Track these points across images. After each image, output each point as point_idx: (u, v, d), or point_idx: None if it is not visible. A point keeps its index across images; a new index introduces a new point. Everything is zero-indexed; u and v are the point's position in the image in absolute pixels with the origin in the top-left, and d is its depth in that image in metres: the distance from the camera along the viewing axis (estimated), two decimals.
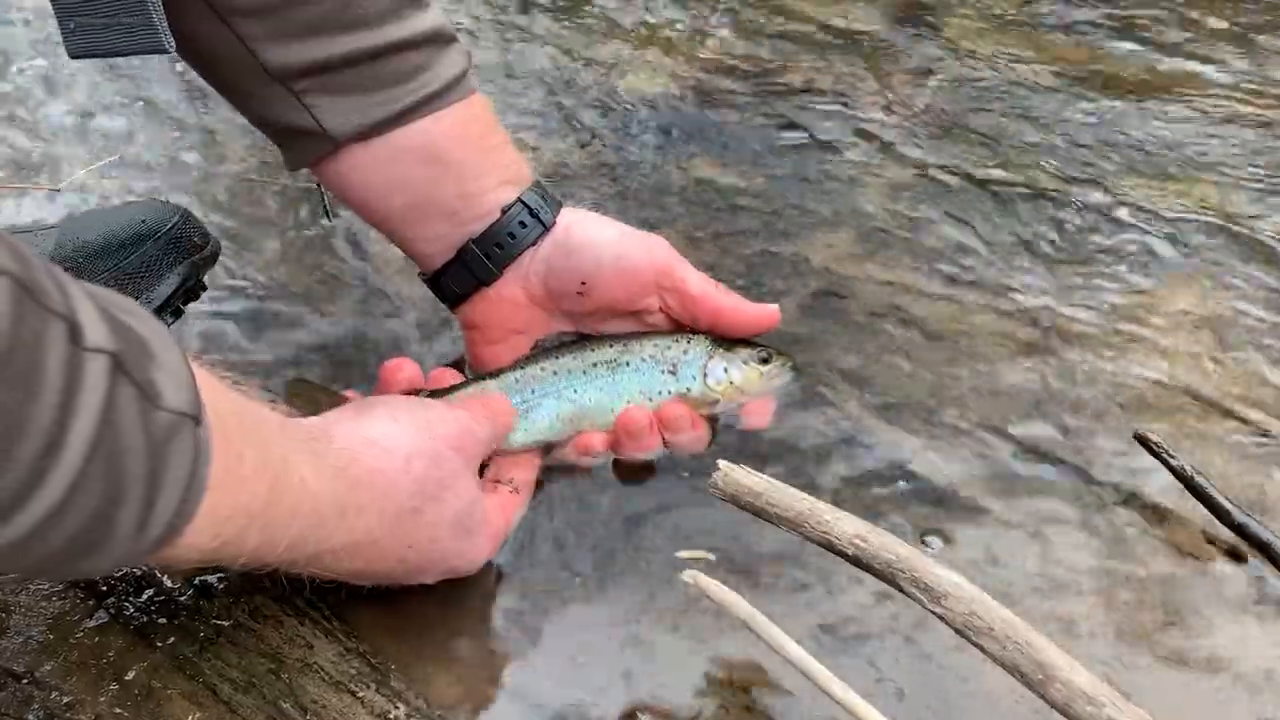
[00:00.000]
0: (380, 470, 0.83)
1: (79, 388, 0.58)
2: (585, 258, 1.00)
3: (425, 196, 0.98)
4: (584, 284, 1.00)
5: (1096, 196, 1.32)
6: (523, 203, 1.00)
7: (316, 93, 0.93)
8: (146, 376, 0.62)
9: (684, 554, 0.87)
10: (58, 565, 0.64)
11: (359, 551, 0.83)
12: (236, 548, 0.72)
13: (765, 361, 1.01)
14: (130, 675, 0.87)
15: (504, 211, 1.00)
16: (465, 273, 1.01)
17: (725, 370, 1.00)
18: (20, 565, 0.72)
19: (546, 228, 1.01)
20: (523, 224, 1.00)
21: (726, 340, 1.02)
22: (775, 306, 1.02)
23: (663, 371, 0.99)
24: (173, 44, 0.85)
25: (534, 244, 1.00)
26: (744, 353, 1.01)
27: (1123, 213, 1.30)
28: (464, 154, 0.98)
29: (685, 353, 1.00)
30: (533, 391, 0.98)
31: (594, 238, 1.01)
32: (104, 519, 0.61)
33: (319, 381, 1.10)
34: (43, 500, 0.58)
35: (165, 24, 0.85)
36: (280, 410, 0.80)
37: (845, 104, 1.45)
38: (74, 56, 0.87)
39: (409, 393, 0.98)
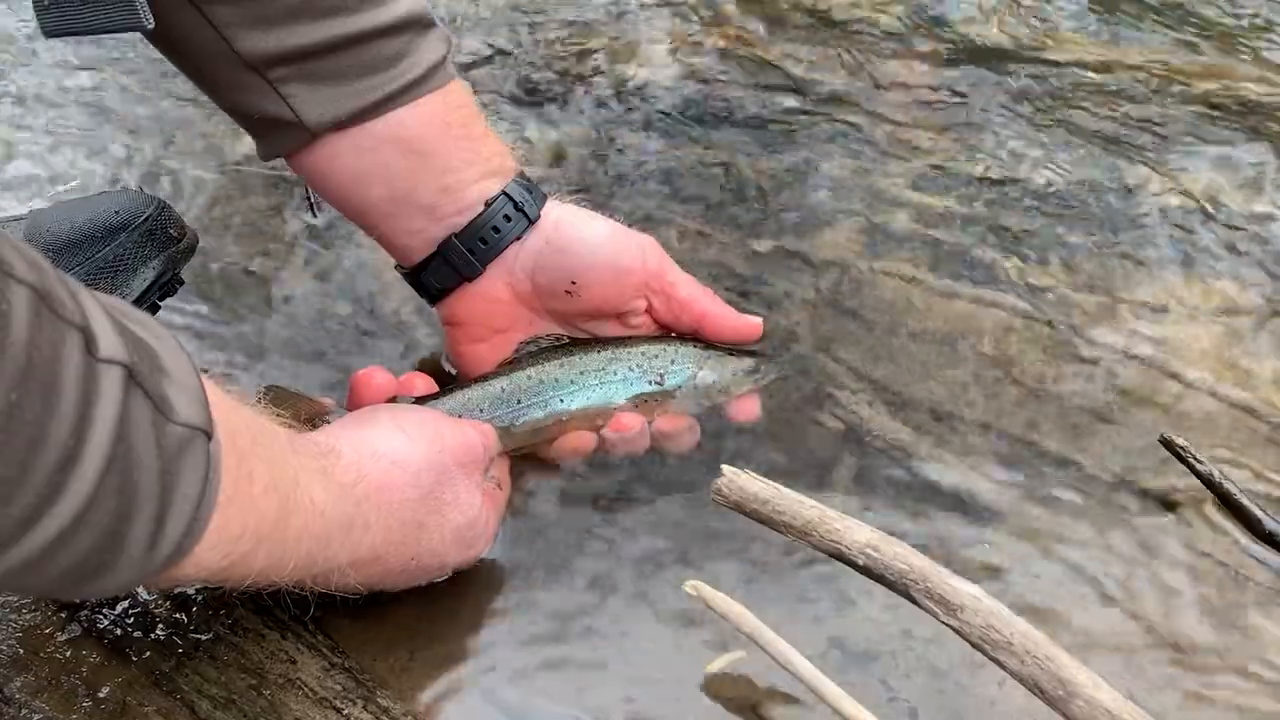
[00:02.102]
0: (388, 485, 0.84)
1: (94, 400, 0.58)
2: (576, 256, 1.00)
3: (405, 188, 0.98)
4: (574, 284, 1.00)
5: (1121, 188, 1.31)
6: (507, 196, 1.00)
7: (293, 81, 0.93)
8: (159, 389, 0.62)
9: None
10: (66, 586, 0.64)
11: (362, 567, 0.84)
12: (245, 568, 0.73)
13: (753, 372, 1.03)
14: (104, 692, 0.87)
15: (487, 205, 1.00)
16: (447, 268, 1.01)
17: (714, 381, 1.02)
18: (28, 585, 0.73)
19: (531, 222, 1.01)
20: (507, 218, 1.00)
21: (713, 347, 1.03)
22: (759, 319, 1.04)
23: (650, 382, 1.01)
24: (151, 20, 0.85)
25: (519, 239, 1.01)
26: (732, 363, 1.03)
27: (1148, 206, 1.29)
28: (445, 144, 0.98)
29: (673, 362, 1.01)
30: (519, 401, 0.99)
31: (585, 236, 1.01)
32: (115, 537, 0.62)
33: (293, 384, 1.10)
34: (57, 517, 0.58)
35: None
36: (284, 422, 0.81)
37: (854, 92, 1.44)
38: (49, 35, 0.87)
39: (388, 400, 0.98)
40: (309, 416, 0.95)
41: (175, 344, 0.66)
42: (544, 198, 1.02)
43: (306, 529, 0.76)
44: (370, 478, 0.83)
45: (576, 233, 1.01)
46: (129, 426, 0.60)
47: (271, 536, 0.73)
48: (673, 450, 1.03)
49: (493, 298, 1.02)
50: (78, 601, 0.91)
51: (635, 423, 0.99)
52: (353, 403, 0.98)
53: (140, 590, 0.93)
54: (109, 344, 0.60)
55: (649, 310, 1.02)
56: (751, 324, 1.03)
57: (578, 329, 1.03)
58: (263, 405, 0.91)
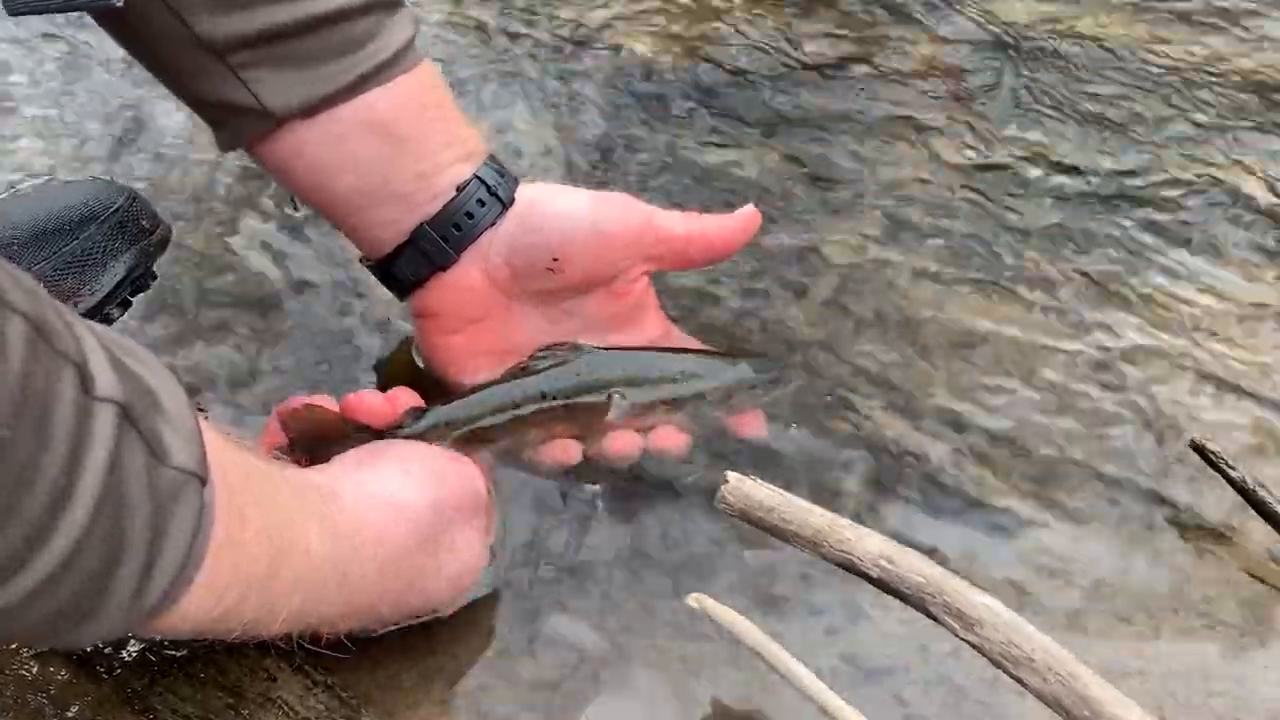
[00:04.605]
0: (389, 534, 0.84)
1: (88, 440, 0.58)
2: (555, 230, 1.01)
3: (378, 176, 0.99)
4: (556, 260, 1.01)
5: (1146, 178, 1.32)
6: (479, 179, 1.01)
7: (256, 66, 0.93)
8: (154, 431, 0.63)
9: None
10: (45, 634, 0.65)
11: (355, 616, 0.85)
12: (234, 619, 0.73)
13: (766, 373, 1.05)
14: (73, 711, 0.87)
15: (459, 190, 1.00)
16: (420, 258, 1.02)
17: (728, 388, 1.03)
18: (5, 632, 0.73)
19: (505, 205, 1.01)
20: (480, 202, 1.01)
21: (723, 358, 1.05)
22: (750, 206, 1.05)
23: (662, 396, 1.01)
24: None
25: (493, 224, 1.01)
26: (746, 370, 1.04)
27: (1179, 198, 1.30)
28: (417, 128, 0.99)
29: (683, 372, 1.02)
30: (525, 420, 0.99)
31: (560, 209, 1.02)
32: (100, 584, 0.62)
33: (278, 391, 1.11)
34: (45, 562, 0.58)
35: None
36: (282, 461, 0.82)
37: (866, 78, 1.45)
38: (13, 14, 0.87)
39: (388, 425, 0.98)
40: (335, 434, 0.95)
41: (174, 383, 0.67)
42: (516, 181, 1.03)
43: (300, 580, 0.77)
44: (370, 526, 0.83)
45: (551, 207, 1.02)
46: (121, 469, 0.60)
47: (263, 588, 0.74)
48: (666, 458, 1.03)
49: (466, 286, 1.02)
50: (55, 650, 0.91)
51: (633, 444, 1.00)
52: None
53: None
54: (105, 381, 0.60)
55: (648, 270, 1.03)
56: (749, 214, 1.05)
57: (560, 308, 1.04)
58: (284, 423, 0.92)
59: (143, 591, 0.64)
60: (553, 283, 1.02)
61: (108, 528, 0.60)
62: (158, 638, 0.90)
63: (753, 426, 1.04)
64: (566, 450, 1.00)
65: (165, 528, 0.63)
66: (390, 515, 0.85)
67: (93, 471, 0.58)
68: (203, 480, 0.65)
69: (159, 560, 0.64)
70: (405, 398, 1.00)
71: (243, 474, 0.72)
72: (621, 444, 1.00)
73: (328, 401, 0.97)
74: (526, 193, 1.03)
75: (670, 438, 1.01)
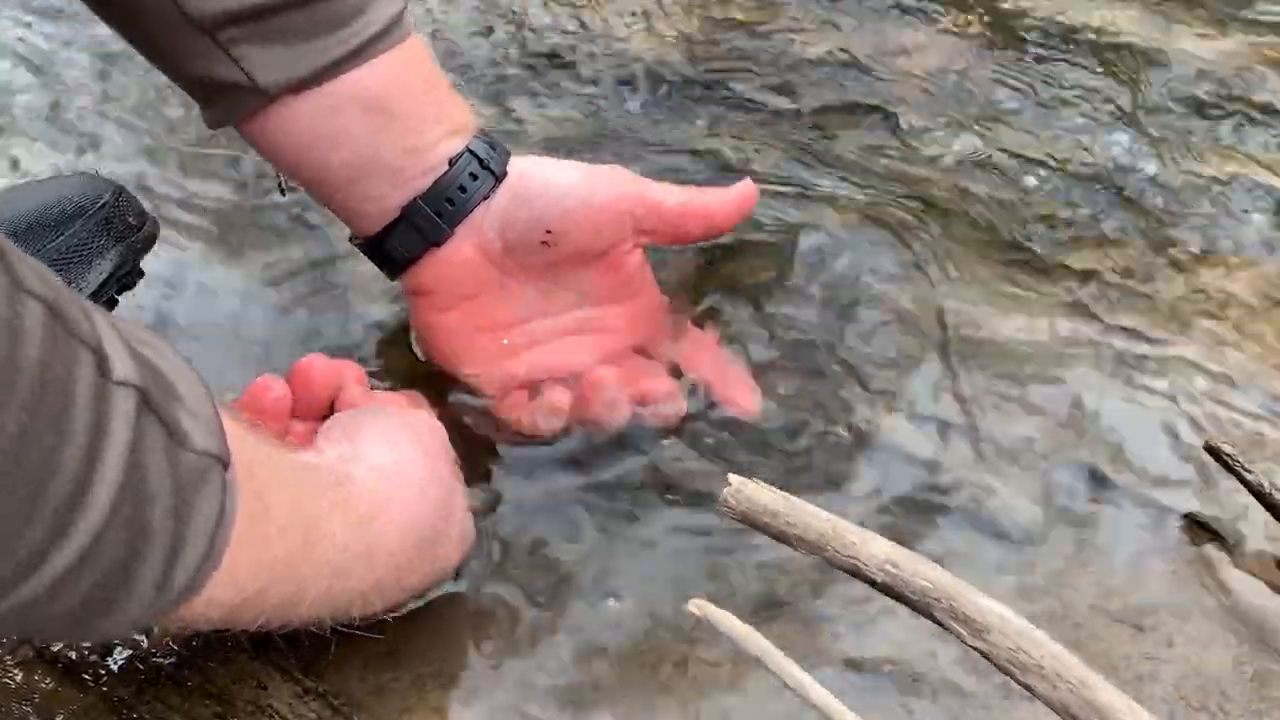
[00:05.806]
0: (406, 505, 0.85)
1: (107, 426, 0.58)
2: (547, 205, 1.02)
3: (369, 152, 0.99)
4: (549, 233, 1.01)
5: (1155, 169, 1.32)
6: (471, 153, 1.01)
7: (246, 42, 0.94)
8: (173, 415, 0.63)
9: None
10: (68, 628, 0.65)
11: (382, 591, 0.86)
12: (258, 605, 0.74)
13: None
14: None
15: (451, 163, 1.01)
16: (414, 234, 1.02)
17: None
18: (26, 629, 0.73)
19: (498, 178, 1.02)
20: (473, 176, 1.01)
21: None
22: (747, 180, 1.05)
23: None
24: None
25: (486, 197, 1.02)
26: None
27: (1194, 186, 1.30)
28: (408, 103, 1.00)
29: None
30: None
31: (555, 182, 1.03)
32: (123, 574, 0.62)
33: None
34: (65, 555, 0.58)
35: None
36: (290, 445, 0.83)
37: (870, 71, 1.45)
38: None
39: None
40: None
41: (188, 368, 0.67)
42: (508, 153, 1.04)
43: (326, 562, 0.77)
44: (387, 502, 0.84)
45: (545, 181, 1.02)
46: (142, 455, 0.60)
47: (288, 571, 0.74)
48: (659, 423, 1.03)
49: (459, 262, 1.03)
50: (80, 644, 0.91)
51: (610, 377, 1.00)
52: (298, 395, 0.97)
53: None
54: (122, 366, 0.60)
55: (640, 243, 1.04)
56: (746, 188, 1.05)
57: (553, 282, 1.04)
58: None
59: (168, 579, 0.64)
60: (545, 256, 1.03)
61: (129, 516, 0.60)
62: (174, 631, 0.91)
63: (745, 401, 1.05)
64: (557, 400, 1.00)
65: (189, 513, 0.63)
66: (401, 487, 0.85)
67: (113, 459, 0.58)
68: (225, 464, 0.66)
69: (182, 548, 0.64)
70: (352, 371, 0.99)
71: (263, 459, 0.73)
72: (606, 393, 1.00)
73: (277, 380, 0.97)
74: (518, 165, 1.04)
75: (660, 389, 1.02)
